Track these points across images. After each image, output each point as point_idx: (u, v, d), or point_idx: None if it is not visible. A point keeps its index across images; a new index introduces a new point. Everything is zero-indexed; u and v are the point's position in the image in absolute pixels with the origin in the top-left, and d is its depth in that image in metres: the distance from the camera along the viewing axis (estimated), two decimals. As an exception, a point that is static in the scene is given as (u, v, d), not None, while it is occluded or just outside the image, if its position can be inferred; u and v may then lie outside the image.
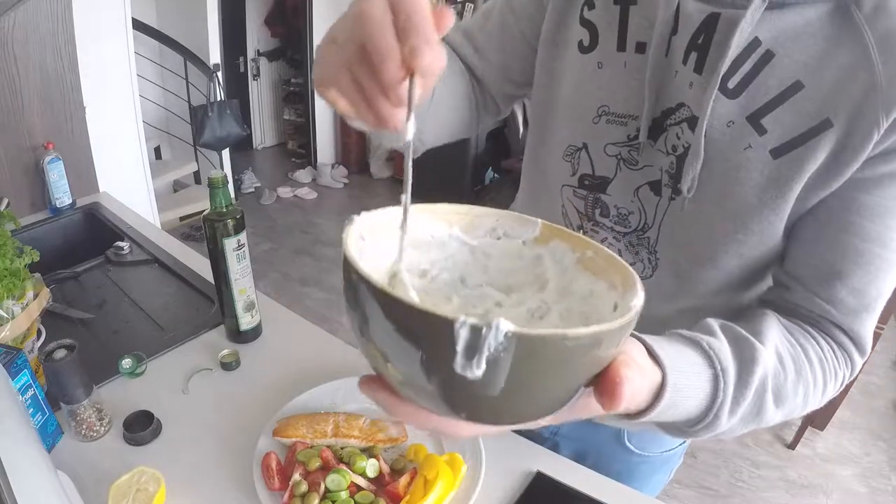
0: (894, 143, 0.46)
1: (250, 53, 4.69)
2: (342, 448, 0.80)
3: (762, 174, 0.50)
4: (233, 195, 3.32)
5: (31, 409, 0.77)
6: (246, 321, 1.03)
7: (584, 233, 0.63)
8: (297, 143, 4.86)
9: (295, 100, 4.77)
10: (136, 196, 1.92)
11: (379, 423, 0.84)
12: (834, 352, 0.52)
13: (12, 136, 1.42)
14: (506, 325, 0.26)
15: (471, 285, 0.42)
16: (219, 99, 3.37)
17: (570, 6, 0.59)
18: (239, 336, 1.04)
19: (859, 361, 0.54)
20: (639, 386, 0.37)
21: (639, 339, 0.41)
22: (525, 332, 0.26)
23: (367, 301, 0.30)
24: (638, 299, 0.32)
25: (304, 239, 3.57)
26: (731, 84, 0.50)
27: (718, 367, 0.44)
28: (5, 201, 1.33)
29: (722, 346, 0.45)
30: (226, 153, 3.67)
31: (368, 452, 0.79)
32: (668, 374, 0.40)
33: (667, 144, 0.55)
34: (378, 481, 0.76)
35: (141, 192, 2.01)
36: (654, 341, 0.42)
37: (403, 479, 0.75)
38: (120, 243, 1.37)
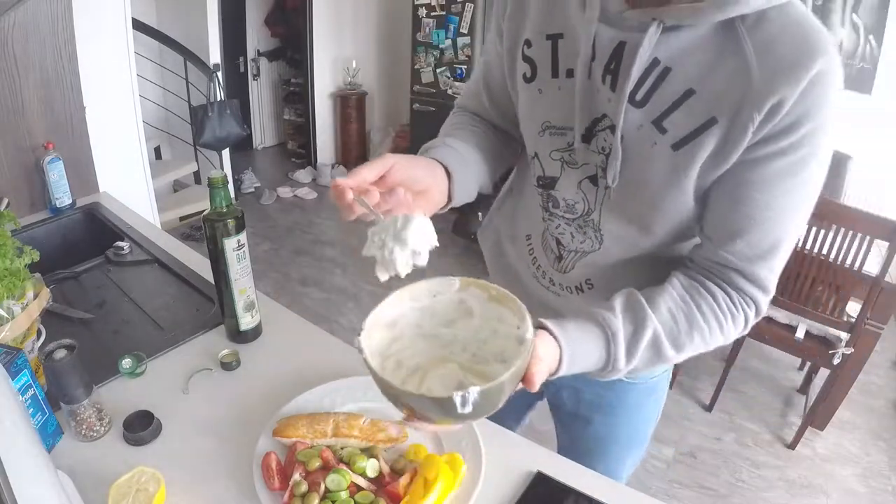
0: (769, 132, 0.58)
1: (250, 53, 4.69)
2: (342, 448, 0.80)
3: (666, 164, 0.63)
4: (233, 195, 3.32)
5: (31, 409, 0.77)
6: (246, 321, 1.03)
7: (543, 221, 0.80)
8: (297, 143, 4.86)
9: (295, 100, 4.77)
10: (136, 196, 1.92)
11: (379, 423, 0.84)
12: (732, 299, 0.66)
13: (12, 136, 1.42)
14: (475, 389, 0.50)
15: (426, 329, 0.64)
16: (219, 99, 3.37)
17: (515, 47, 0.74)
18: (239, 336, 1.04)
19: (763, 299, 0.67)
20: (544, 369, 0.58)
21: (545, 327, 0.61)
22: (485, 387, 0.50)
23: (396, 393, 0.54)
24: (530, 332, 0.55)
25: (304, 239, 3.57)
26: (637, 97, 0.63)
27: (609, 333, 0.63)
28: (5, 201, 1.33)
29: (614, 318, 0.63)
30: (226, 153, 3.67)
31: (368, 452, 0.79)
32: (564, 350, 0.60)
33: (597, 146, 0.69)
34: (378, 481, 0.76)
35: (141, 192, 2.01)
36: (556, 326, 0.61)
37: (403, 479, 0.74)
38: (120, 243, 1.37)
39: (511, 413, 1.07)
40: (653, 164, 0.64)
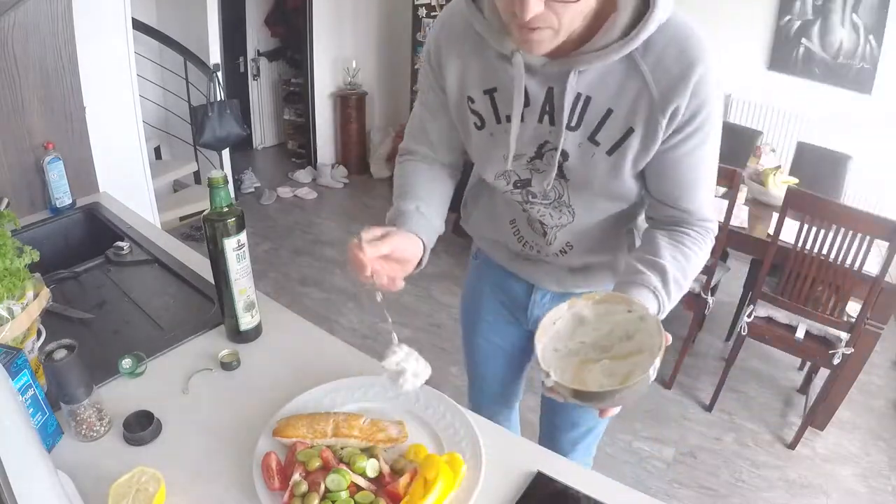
0: (675, 128, 0.77)
1: (250, 53, 4.69)
2: (342, 448, 0.80)
3: (605, 166, 0.83)
4: (233, 195, 3.31)
5: (31, 409, 0.77)
6: (246, 321, 1.03)
7: (524, 211, 0.96)
8: (297, 143, 4.86)
9: (295, 100, 4.77)
10: (136, 196, 1.92)
11: (379, 423, 0.84)
12: (697, 231, 0.87)
13: (12, 136, 1.42)
14: (656, 362, 0.66)
15: (562, 350, 0.76)
16: (219, 99, 3.36)
17: (462, 102, 0.89)
18: (239, 336, 1.04)
19: (713, 227, 0.88)
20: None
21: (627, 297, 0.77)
22: (658, 357, 0.66)
23: (601, 397, 0.68)
24: (644, 308, 0.74)
25: (304, 239, 3.57)
26: (572, 124, 0.81)
27: (651, 288, 0.80)
28: (5, 201, 1.33)
29: (651, 277, 0.81)
30: (226, 153, 3.67)
31: (368, 452, 0.79)
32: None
33: (548, 162, 0.86)
34: (378, 481, 0.76)
35: (141, 192, 2.01)
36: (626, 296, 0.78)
37: (403, 479, 0.75)
38: (120, 243, 1.37)
39: (516, 372, 1.29)
40: (596, 167, 0.83)
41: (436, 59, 0.89)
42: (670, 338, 0.69)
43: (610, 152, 0.81)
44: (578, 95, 0.78)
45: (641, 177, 0.87)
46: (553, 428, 1.24)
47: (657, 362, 0.65)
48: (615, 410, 0.75)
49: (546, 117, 0.82)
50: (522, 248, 1.03)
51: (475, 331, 1.24)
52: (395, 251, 0.78)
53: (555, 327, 0.76)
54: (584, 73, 0.76)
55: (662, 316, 0.81)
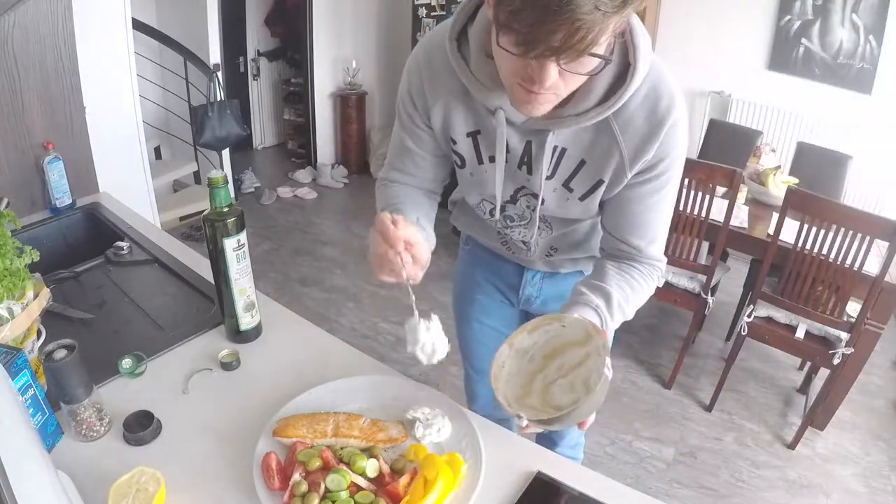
0: (640, 174, 0.82)
1: (250, 53, 4.69)
2: (342, 448, 0.80)
3: (578, 207, 0.89)
4: (233, 195, 3.32)
5: (31, 409, 0.77)
6: (246, 321, 1.03)
7: (506, 234, 1.03)
8: (297, 143, 4.86)
9: (295, 100, 4.77)
10: (136, 196, 1.92)
11: (379, 423, 0.84)
12: (645, 266, 0.90)
13: (12, 136, 1.42)
14: (607, 362, 0.70)
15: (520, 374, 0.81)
16: (219, 99, 3.36)
17: (446, 143, 0.92)
18: (239, 336, 1.04)
19: (661, 266, 0.91)
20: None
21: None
22: (608, 359, 0.70)
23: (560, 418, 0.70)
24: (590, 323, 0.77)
25: (304, 239, 3.57)
26: (548, 173, 0.85)
27: (594, 307, 0.83)
28: (5, 201, 1.33)
29: (593, 298, 0.84)
30: (226, 153, 3.67)
31: (368, 452, 0.79)
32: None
33: (521, 205, 0.93)
34: (378, 481, 0.76)
35: (141, 192, 2.01)
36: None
37: (403, 479, 0.75)
38: (120, 243, 1.37)
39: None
40: (569, 209, 0.90)
41: (420, 100, 0.90)
42: (608, 334, 0.76)
43: (583, 198, 0.87)
44: (555, 148, 0.83)
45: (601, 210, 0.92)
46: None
47: (608, 361, 0.67)
48: (592, 419, 0.76)
49: (524, 167, 0.87)
50: (512, 254, 1.09)
51: (468, 315, 1.25)
52: (415, 246, 0.78)
53: (504, 370, 0.78)
54: (562, 130, 0.81)
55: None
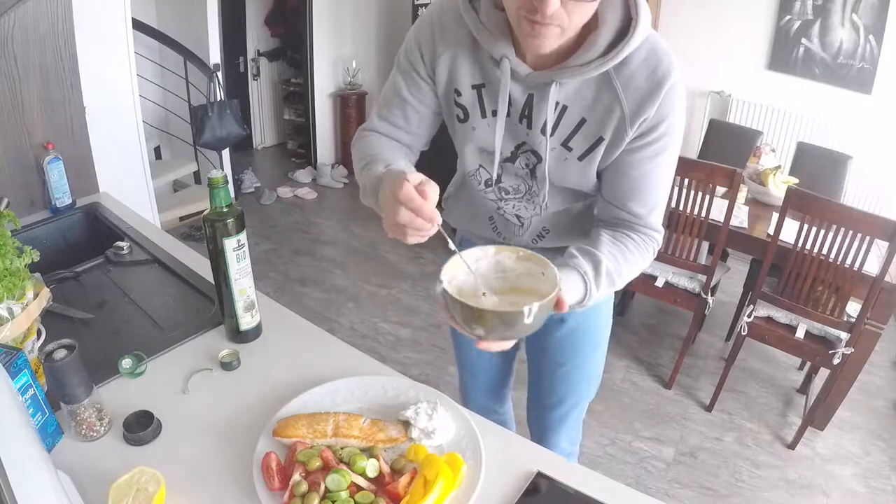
0: (640, 137, 0.83)
1: (250, 53, 4.69)
2: (342, 448, 0.80)
3: (576, 168, 0.89)
4: (233, 195, 3.31)
5: (31, 409, 0.77)
6: (246, 321, 1.03)
7: (499, 209, 1.03)
8: (297, 143, 4.86)
9: (295, 100, 4.76)
10: (136, 196, 1.92)
11: (379, 423, 0.84)
12: (642, 237, 0.90)
13: (12, 136, 1.42)
14: (535, 304, 0.67)
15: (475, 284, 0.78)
16: (219, 99, 3.36)
17: (449, 96, 0.93)
18: (239, 336, 1.04)
19: (658, 237, 0.91)
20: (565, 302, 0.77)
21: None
22: (542, 302, 0.68)
23: (476, 314, 0.68)
24: (556, 270, 0.74)
25: (304, 239, 3.57)
26: (547, 129, 0.86)
27: (582, 272, 0.83)
28: (5, 201, 1.33)
29: (580, 262, 0.84)
30: (226, 153, 3.67)
31: (368, 452, 0.79)
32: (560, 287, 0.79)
33: (521, 164, 0.94)
34: (378, 481, 0.76)
35: (141, 192, 2.01)
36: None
37: (403, 479, 0.75)
38: (120, 243, 1.37)
39: (506, 366, 1.36)
40: (568, 170, 0.90)
41: (428, 51, 0.90)
42: (566, 304, 0.74)
43: (581, 157, 0.87)
44: (556, 104, 0.84)
45: (600, 179, 0.92)
46: (541, 410, 1.29)
47: (535, 307, 0.66)
48: (493, 345, 0.73)
49: (525, 120, 0.88)
50: (503, 239, 1.09)
51: None
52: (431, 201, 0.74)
53: (477, 263, 0.78)
54: (563, 84, 0.82)
55: (588, 303, 0.84)
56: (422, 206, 0.68)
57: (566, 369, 1.19)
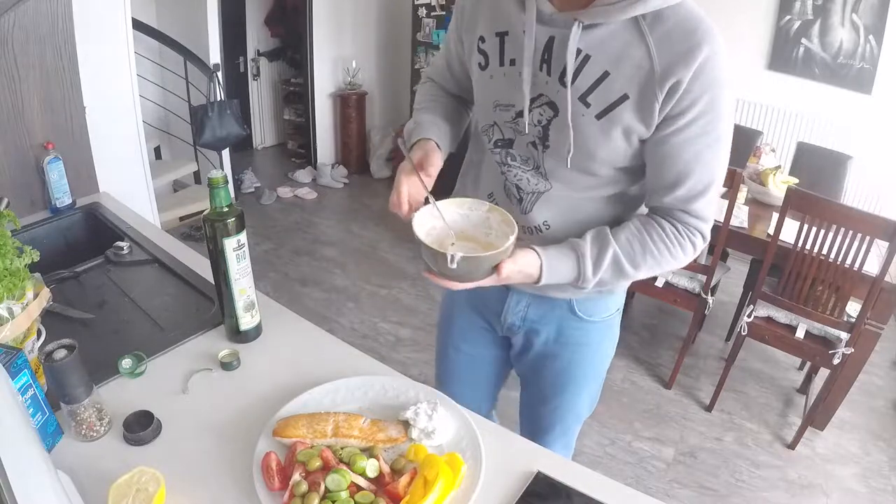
0: (677, 108, 0.76)
1: (250, 53, 4.69)
2: (342, 448, 0.80)
3: (594, 129, 0.81)
4: (233, 195, 3.31)
5: (31, 409, 0.77)
6: (246, 321, 1.03)
7: (502, 174, 0.97)
8: (297, 143, 4.86)
9: (295, 100, 4.76)
10: (136, 196, 1.92)
11: (379, 423, 0.84)
12: (678, 229, 0.85)
13: (12, 136, 1.41)
14: (458, 254, 0.75)
15: (471, 229, 0.88)
16: (219, 99, 3.36)
17: (473, 43, 0.91)
18: (239, 336, 1.04)
19: (704, 226, 0.86)
20: (515, 269, 0.81)
21: (533, 249, 0.84)
22: (466, 255, 0.75)
23: (420, 244, 0.78)
24: (510, 238, 0.79)
25: (304, 239, 3.57)
26: (566, 78, 0.79)
27: (579, 253, 0.83)
28: (5, 201, 1.33)
29: (583, 243, 0.84)
30: (226, 153, 3.66)
31: (368, 452, 0.79)
32: (543, 261, 0.83)
33: (534, 119, 0.87)
34: (378, 481, 0.76)
35: (141, 192, 2.01)
36: (539, 247, 0.85)
37: (403, 479, 0.75)
38: (120, 243, 1.37)
39: (486, 391, 1.30)
40: (583, 129, 0.82)
41: (463, 1, 0.94)
42: (503, 271, 0.78)
43: (599, 116, 0.80)
44: (578, 52, 0.78)
45: (632, 164, 0.86)
46: (534, 429, 1.23)
47: (458, 256, 0.74)
48: (438, 279, 0.80)
49: (545, 66, 0.82)
50: None
51: (446, 340, 1.23)
52: (432, 167, 0.88)
53: (470, 212, 0.88)
54: (587, 30, 0.76)
55: (586, 286, 0.85)
56: (402, 206, 0.85)
57: (560, 363, 1.12)
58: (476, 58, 0.91)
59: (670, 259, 0.86)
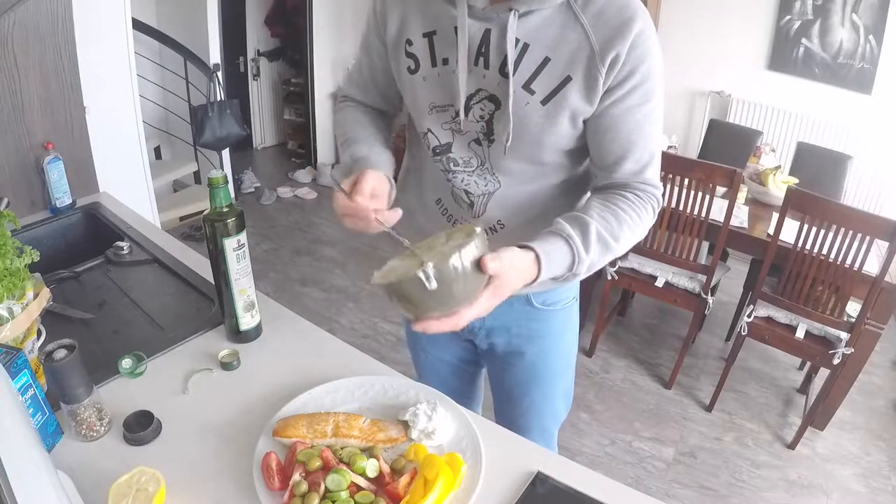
0: (615, 82, 0.78)
1: (250, 53, 4.68)
2: (342, 448, 0.80)
3: (540, 115, 0.82)
4: (233, 195, 3.31)
5: (31, 409, 0.77)
6: (246, 321, 1.03)
7: (448, 181, 0.95)
8: (297, 143, 4.85)
9: (295, 100, 4.76)
10: (136, 196, 1.92)
11: (379, 423, 0.84)
12: (639, 196, 0.85)
13: (12, 136, 1.41)
14: (430, 264, 0.61)
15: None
16: (219, 99, 3.36)
17: (398, 47, 0.89)
18: (239, 336, 1.04)
19: (657, 193, 0.87)
20: (501, 265, 0.68)
21: (517, 246, 0.74)
22: (438, 264, 0.62)
23: (386, 288, 0.66)
24: (478, 228, 0.68)
25: (304, 239, 3.57)
26: (507, 69, 0.79)
27: (564, 235, 0.77)
28: (5, 201, 1.33)
29: (562, 226, 0.78)
30: (226, 153, 3.66)
31: (368, 452, 0.79)
32: (539, 254, 0.74)
33: (475, 116, 0.86)
34: (378, 481, 0.76)
35: (141, 192, 2.01)
36: (529, 241, 0.76)
37: (403, 479, 0.75)
38: (120, 243, 1.37)
39: (462, 392, 1.28)
40: (529, 117, 0.82)
41: (381, 7, 0.91)
42: (488, 265, 0.65)
43: (545, 101, 0.81)
44: (516, 41, 0.79)
45: (576, 146, 0.86)
46: (505, 410, 1.21)
47: (430, 267, 0.60)
48: (429, 325, 0.68)
49: (482, 59, 0.81)
50: (452, 225, 0.99)
51: (416, 342, 1.24)
52: (374, 189, 0.79)
53: (431, 250, 0.72)
54: (523, 19, 0.78)
55: (581, 270, 0.78)
56: (354, 209, 0.76)
57: (527, 359, 1.10)
58: (405, 62, 0.89)
59: (640, 225, 0.85)
